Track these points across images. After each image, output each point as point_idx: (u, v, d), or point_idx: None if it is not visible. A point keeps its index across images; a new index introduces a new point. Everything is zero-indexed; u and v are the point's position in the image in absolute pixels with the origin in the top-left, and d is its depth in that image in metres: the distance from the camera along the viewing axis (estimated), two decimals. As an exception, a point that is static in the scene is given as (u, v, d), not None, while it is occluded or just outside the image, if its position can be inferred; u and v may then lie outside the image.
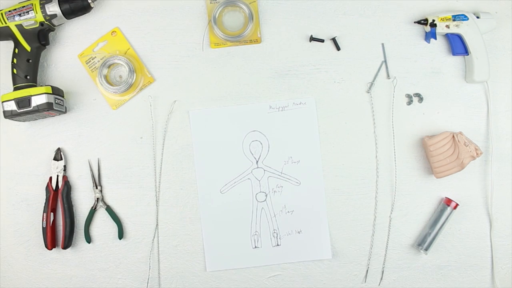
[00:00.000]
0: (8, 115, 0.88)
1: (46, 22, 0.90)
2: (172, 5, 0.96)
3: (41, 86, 0.89)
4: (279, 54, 0.96)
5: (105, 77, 0.93)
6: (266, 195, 0.95)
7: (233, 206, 0.95)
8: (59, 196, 0.92)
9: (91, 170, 0.94)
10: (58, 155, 0.93)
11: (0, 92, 0.94)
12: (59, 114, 0.93)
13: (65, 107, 0.93)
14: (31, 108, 0.88)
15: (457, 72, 0.96)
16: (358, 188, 0.95)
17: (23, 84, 0.89)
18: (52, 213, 0.92)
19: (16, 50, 0.90)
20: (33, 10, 0.88)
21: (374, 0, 0.96)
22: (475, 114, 0.96)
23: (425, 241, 0.93)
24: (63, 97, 0.93)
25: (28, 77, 0.89)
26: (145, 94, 0.95)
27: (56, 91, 0.91)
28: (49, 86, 0.89)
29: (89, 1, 0.90)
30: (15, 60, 0.90)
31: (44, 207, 0.92)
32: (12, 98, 0.88)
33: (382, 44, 0.96)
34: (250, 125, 0.95)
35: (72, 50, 0.95)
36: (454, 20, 0.93)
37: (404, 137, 0.95)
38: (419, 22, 0.94)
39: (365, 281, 0.95)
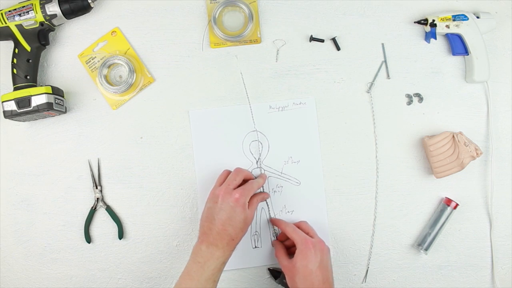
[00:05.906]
0: (8, 115, 0.88)
1: (46, 22, 0.90)
2: (172, 5, 0.96)
3: (41, 86, 0.89)
4: (279, 54, 0.95)
5: (105, 77, 0.93)
6: (266, 195, 0.95)
7: (233, 206, 0.94)
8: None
9: (91, 170, 0.94)
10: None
11: (0, 92, 0.94)
12: (59, 114, 0.93)
13: (65, 107, 0.93)
14: (31, 108, 0.88)
15: (457, 72, 0.96)
16: (358, 188, 0.95)
17: (23, 84, 0.89)
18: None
19: (16, 50, 0.90)
20: (33, 10, 0.88)
21: (374, 0, 0.96)
22: (475, 114, 0.96)
23: (425, 241, 0.93)
24: (63, 97, 0.93)
25: (28, 77, 0.89)
26: (145, 94, 0.95)
27: (56, 91, 0.91)
28: (49, 86, 0.89)
29: (89, 1, 0.90)
30: (15, 60, 0.89)
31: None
32: (12, 98, 0.88)
33: (382, 44, 0.96)
34: (250, 125, 0.95)
35: (72, 50, 0.95)
36: (454, 20, 0.93)
37: (404, 137, 0.95)
38: (419, 22, 0.94)
39: (365, 281, 0.95)
